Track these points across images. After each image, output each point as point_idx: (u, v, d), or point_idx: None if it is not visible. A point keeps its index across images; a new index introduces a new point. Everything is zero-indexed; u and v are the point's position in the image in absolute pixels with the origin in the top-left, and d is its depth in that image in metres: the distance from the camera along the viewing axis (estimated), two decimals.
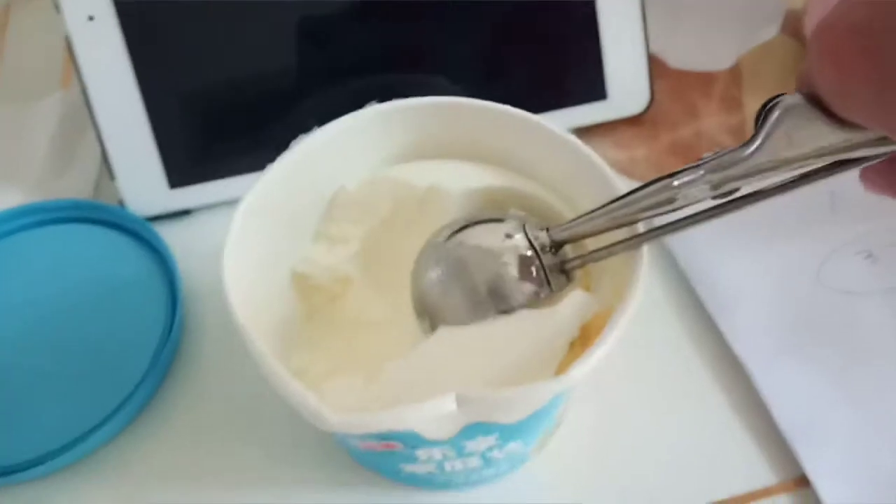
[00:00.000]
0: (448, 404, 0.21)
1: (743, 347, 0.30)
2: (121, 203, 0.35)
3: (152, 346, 0.31)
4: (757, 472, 0.28)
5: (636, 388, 0.31)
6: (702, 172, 0.21)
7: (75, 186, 0.37)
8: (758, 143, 0.20)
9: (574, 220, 0.24)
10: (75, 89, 0.41)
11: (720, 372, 0.31)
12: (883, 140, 0.20)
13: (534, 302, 0.25)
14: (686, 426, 0.30)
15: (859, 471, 0.27)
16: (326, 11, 0.35)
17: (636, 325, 0.32)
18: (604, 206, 0.24)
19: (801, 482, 0.28)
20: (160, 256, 0.34)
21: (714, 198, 0.22)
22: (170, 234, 0.34)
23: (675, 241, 0.34)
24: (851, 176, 0.37)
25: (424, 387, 0.22)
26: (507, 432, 0.24)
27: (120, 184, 0.35)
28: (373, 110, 0.27)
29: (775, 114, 0.20)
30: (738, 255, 0.33)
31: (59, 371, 0.31)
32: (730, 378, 0.30)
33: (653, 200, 0.22)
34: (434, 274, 0.25)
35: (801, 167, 0.21)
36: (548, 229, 0.25)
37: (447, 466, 0.25)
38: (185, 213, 0.36)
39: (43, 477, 0.29)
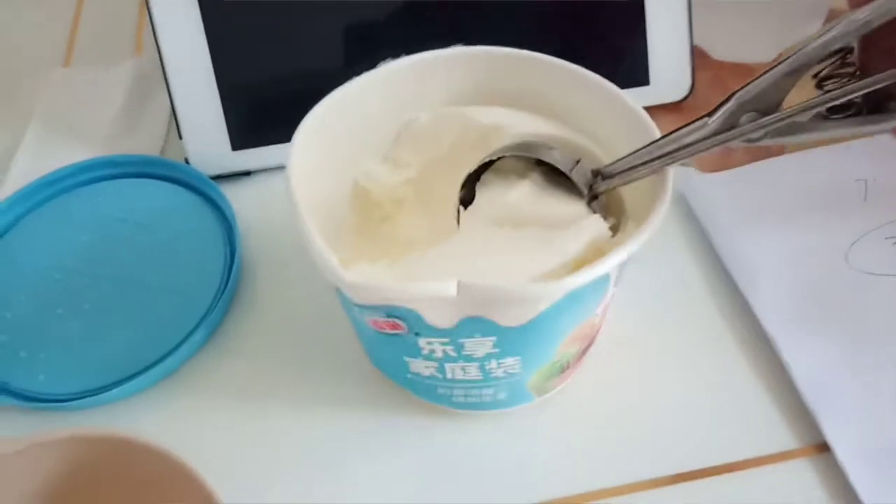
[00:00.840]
0: (449, 289, 0.23)
1: (768, 316, 0.31)
2: (186, 161, 0.38)
3: (213, 288, 0.33)
4: (778, 436, 0.29)
5: (661, 349, 0.32)
6: (733, 102, 0.24)
7: (144, 144, 0.40)
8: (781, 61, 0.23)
9: (620, 158, 0.27)
10: (146, 57, 0.44)
11: (745, 339, 0.32)
12: None
13: (558, 171, 0.28)
14: (709, 388, 0.31)
15: (880, 439, 0.28)
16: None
17: (665, 291, 0.33)
18: (648, 144, 0.26)
19: (822, 448, 0.29)
20: (220, 211, 0.36)
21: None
22: (230, 192, 0.36)
23: (706, 217, 0.35)
24: (884, 168, 0.37)
25: (436, 276, 0.24)
26: (504, 341, 0.26)
27: (187, 143, 0.38)
28: (458, 49, 0.30)
29: None
30: (768, 233, 0.34)
31: (131, 306, 0.33)
32: (754, 345, 0.31)
33: (692, 138, 0.25)
34: None
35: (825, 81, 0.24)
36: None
37: (448, 371, 0.27)
38: (245, 174, 0.39)
39: (123, 398, 0.31)
